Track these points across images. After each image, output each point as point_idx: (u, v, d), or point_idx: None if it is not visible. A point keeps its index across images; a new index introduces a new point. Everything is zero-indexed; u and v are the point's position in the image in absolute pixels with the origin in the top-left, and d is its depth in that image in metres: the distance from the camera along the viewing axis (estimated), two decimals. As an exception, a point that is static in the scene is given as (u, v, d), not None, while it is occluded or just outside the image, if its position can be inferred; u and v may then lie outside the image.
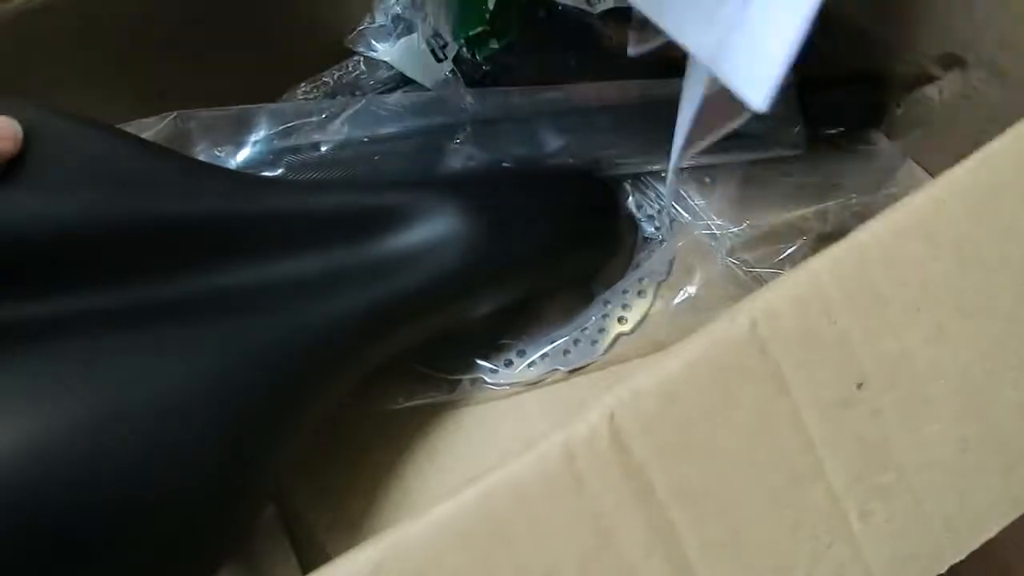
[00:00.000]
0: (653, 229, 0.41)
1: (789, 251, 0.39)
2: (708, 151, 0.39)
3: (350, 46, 0.41)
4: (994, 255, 0.29)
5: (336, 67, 0.42)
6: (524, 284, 0.35)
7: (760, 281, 0.40)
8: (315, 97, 0.41)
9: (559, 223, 0.34)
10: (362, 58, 0.41)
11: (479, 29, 0.37)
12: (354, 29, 0.41)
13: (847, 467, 0.27)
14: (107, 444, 0.21)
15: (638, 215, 0.41)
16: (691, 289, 0.40)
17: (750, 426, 0.26)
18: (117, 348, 0.22)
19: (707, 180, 0.42)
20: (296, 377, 0.27)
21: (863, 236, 0.28)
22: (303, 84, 0.42)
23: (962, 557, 0.29)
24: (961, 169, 0.30)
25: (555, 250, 0.34)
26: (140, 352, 0.23)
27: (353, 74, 0.41)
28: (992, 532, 0.29)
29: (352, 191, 0.30)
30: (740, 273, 0.40)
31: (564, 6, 0.38)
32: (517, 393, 0.38)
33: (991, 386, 0.29)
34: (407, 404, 0.36)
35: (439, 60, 0.38)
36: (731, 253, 0.40)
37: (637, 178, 0.41)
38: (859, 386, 0.28)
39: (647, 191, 0.42)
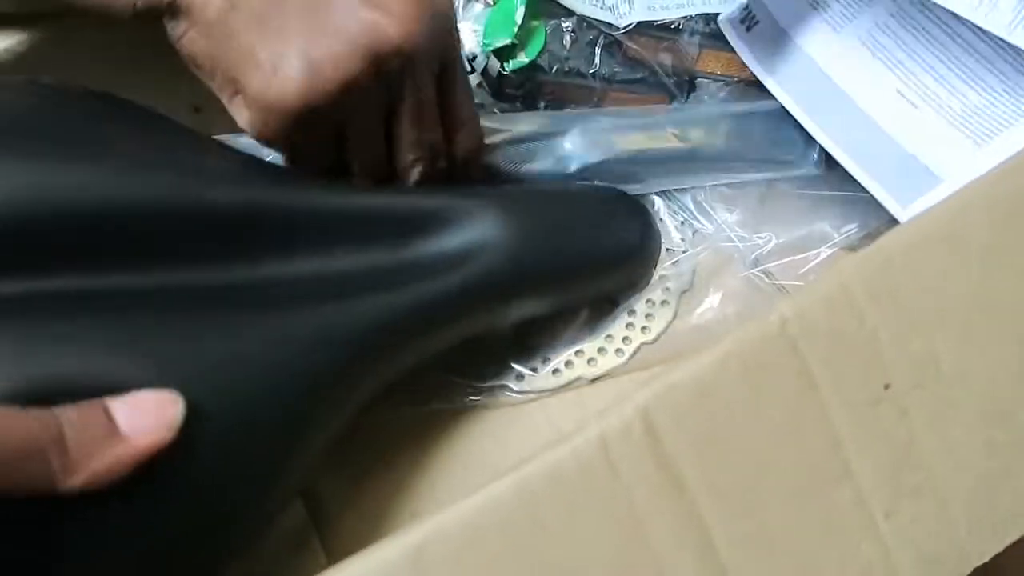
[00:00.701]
0: (679, 239, 0.42)
1: (813, 263, 0.40)
2: (733, 170, 0.40)
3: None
4: (1020, 262, 0.30)
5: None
6: (560, 294, 0.35)
7: (784, 293, 0.40)
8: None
9: (596, 237, 0.35)
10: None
11: (507, 41, 0.38)
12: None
13: (874, 466, 0.28)
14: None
15: (663, 226, 0.42)
16: (714, 300, 0.40)
17: (780, 422, 0.27)
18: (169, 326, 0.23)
19: (726, 192, 0.43)
20: (335, 370, 0.28)
21: (889, 241, 0.29)
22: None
23: (986, 559, 0.29)
24: (986, 178, 0.30)
25: (592, 263, 0.35)
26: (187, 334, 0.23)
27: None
28: (1017, 535, 0.29)
29: (398, 193, 0.31)
30: (763, 285, 0.40)
31: (590, 21, 0.40)
32: (542, 398, 0.38)
33: (1017, 390, 0.29)
34: (435, 407, 0.37)
35: (468, 72, 0.39)
36: (754, 264, 0.41)
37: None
38: (886, 386, 0.28)
39: (671, 202, 0.42)
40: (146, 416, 0.22)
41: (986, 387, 0.29)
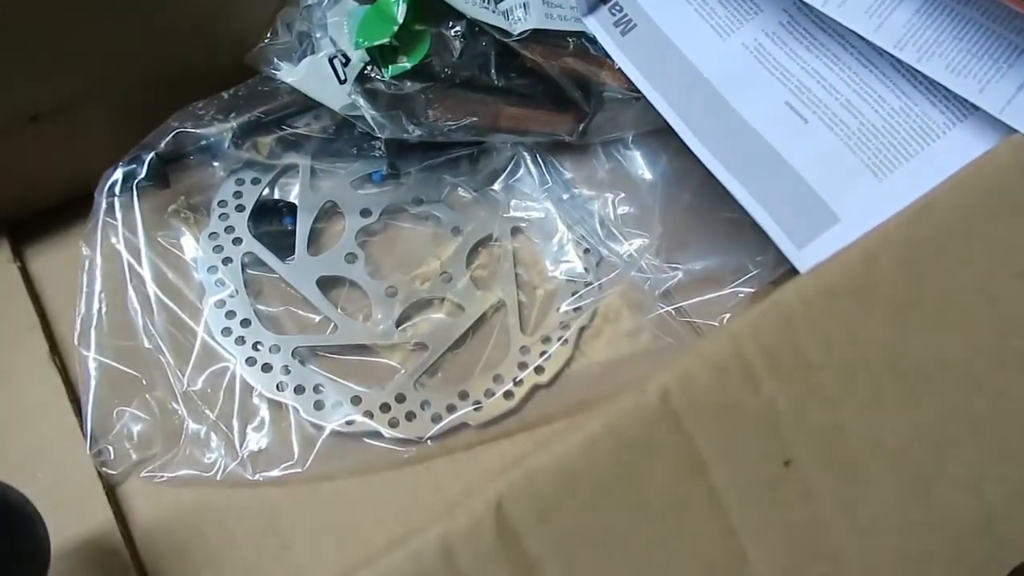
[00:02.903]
0: (582, 269, 0.38)
1: (731, 304, 0.36)
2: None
3: (251, 64, 0.37)
4: (934, 314, 0.26)
5: (239, 86, 0.38)
6: None
7: (695, 331, 0.37)
8: (208, 115, 0.37)
9: None
10: (264, 77, 0.37)
11: (384, 41, 0.34)
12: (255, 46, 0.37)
13: (774, 557, 0.24)
14: None
15: (564, 252, 0.38)
16: (619, 338, 0.36)
17: (662, 512, 0.23)
18: None
19: (637, 214, 0.39)
20: None
21: (787, 295, 0.25)
22: (199, 103, 0.38)
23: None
24: (894, 222, 0.27)
25: None
26: None
27: (253, 93, 0.37)
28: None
29: None
30: (674, 323, 0.37)
31: (481, 26, 0.35)
32: (428, 459, 0.34)
33: (935, 462, 0.26)
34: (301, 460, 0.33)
35: (341, 81, 0.34)
36: (665, 298, 0.37)
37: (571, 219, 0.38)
38: (787, 463, 0.24)
39: (576, 226, 0.38)
40: None
41: (900, 459, 0.25)
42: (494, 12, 0.35)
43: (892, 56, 0.30)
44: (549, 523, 0.22)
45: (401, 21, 0.33)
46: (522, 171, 0.40)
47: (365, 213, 0.39)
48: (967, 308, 0.26)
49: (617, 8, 0.35)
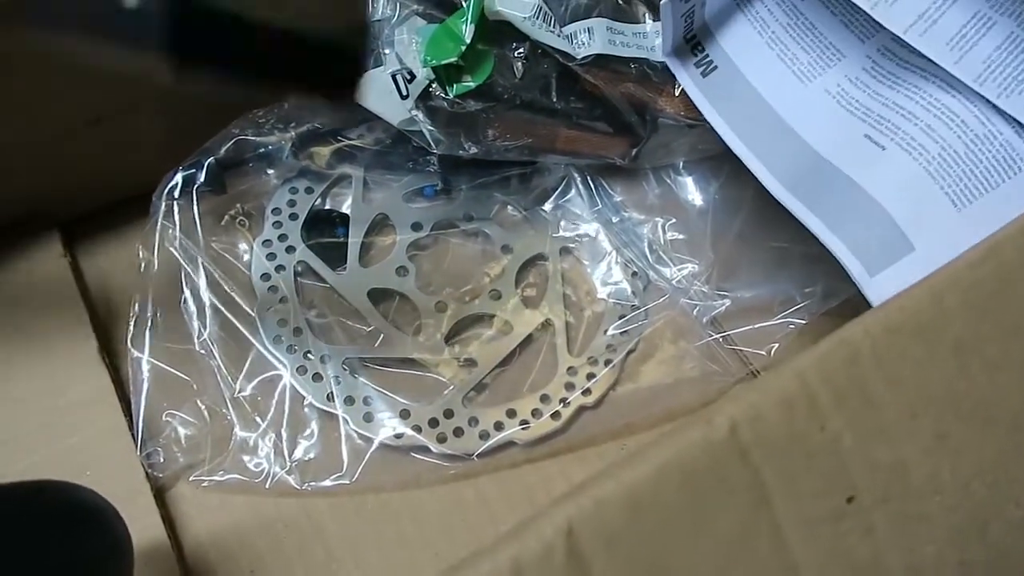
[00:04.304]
0: (630, 293, 0.38)
1: (779, 335, 0.36)
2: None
3: (311, 75, 0.38)
4: (998, 355, 0.27)
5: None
6: None
7: (742, 360, 0.37)
8: (268, 123, 0.37)
9: None
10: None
11: (451, 60, 0.34)
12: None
13: (833, 592, 0.24)
14: None
15: (610, 275, 0.38)
16: (664, 364, 0.37)
17: (727, 544, 0.23)
18: None
19: (686, 239, 0.39)
20: None
21: (854, 332, 0.26)
22: (259, 111, 0.38)
23: None
24: (962, 261, 0.27)
25: None
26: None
27: (312, 104, 0.38)
28: (988, 668, 0.26)
29: None
30: (720, 351, 0.37)
31: (545, 49, 0.36)
32: (474, 475, 0.34)
33: (993, 503, 0.26)
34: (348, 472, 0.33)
35: (403, 97, 0.35)
36: (712, 325, 0.37)
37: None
38: (849, 500, 0.25)
39: (624, 250, 0.39)
40: None
41: (959, 499, 0.26)
42: (559, 36, 0.35)
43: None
44: (616, 550, 0.22)
45: (468, 41, 0.34)
46: (572, 192, 0.40)
47: (416, 227, 0.39)
48: (1030, 351, 0.26)
49: (699, 49, 0.35)
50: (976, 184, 0.30)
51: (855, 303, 0.32)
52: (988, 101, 0.31)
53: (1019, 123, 0.30)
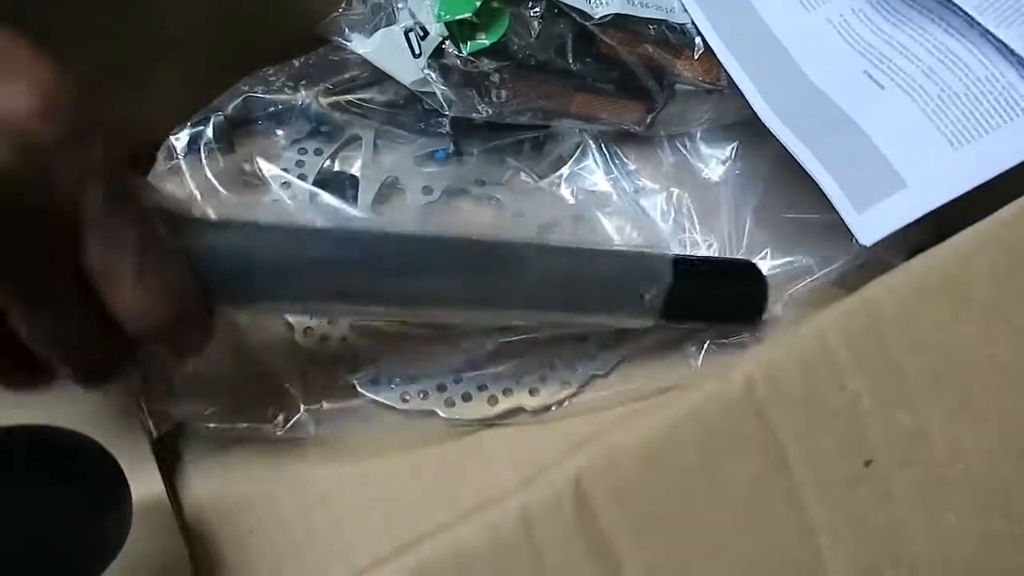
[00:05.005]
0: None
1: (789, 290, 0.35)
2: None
3: (321, 34, 0.37)
4: (1024, 321, 0.26)
5: (309, 54, 0.38)
6: None
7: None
8: (278, 81, 0.37)
9: None
10: (335, 47, 0.37)
11: (465, 14, 0.33)
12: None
13: (852, 558, 0.23)
14: None
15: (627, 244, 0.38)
16: (677, 332, 0.36)
17: (741, 504, 0.23)
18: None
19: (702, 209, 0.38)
20: None
21: (877, 291, 0.25)
22: (269, 68, 0.38)
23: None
24: (993, 221, 0.26)
25: None
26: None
27: (323, 62, 0.37)
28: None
29: None
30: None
31: (561, 8, 0.35)
32: (476, 430, 0.34)
33: (1017, 474, 0.25)
34: (349, 435, 0.32)
35: (415, 55, 0.34)
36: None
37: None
38: (868, 463, 0.24)
39: (638, 219, 0.38)
40: None
41: (982, 467, 0.25)
42: (576, -7, 0.35)
43: (981, 26, 0.30)
44: (627, 503, 0.22)
45: (482, -3, 0.33)
46: (588, 160, 0.39)
47: (427, 191, 0.38)
48: (1060, 318, 0.26)
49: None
50: (975, 125, 0.30)
51: (872, 271, 0.31)
52: (992, 44, 0.30)
53: (1021, 63, 0.30)
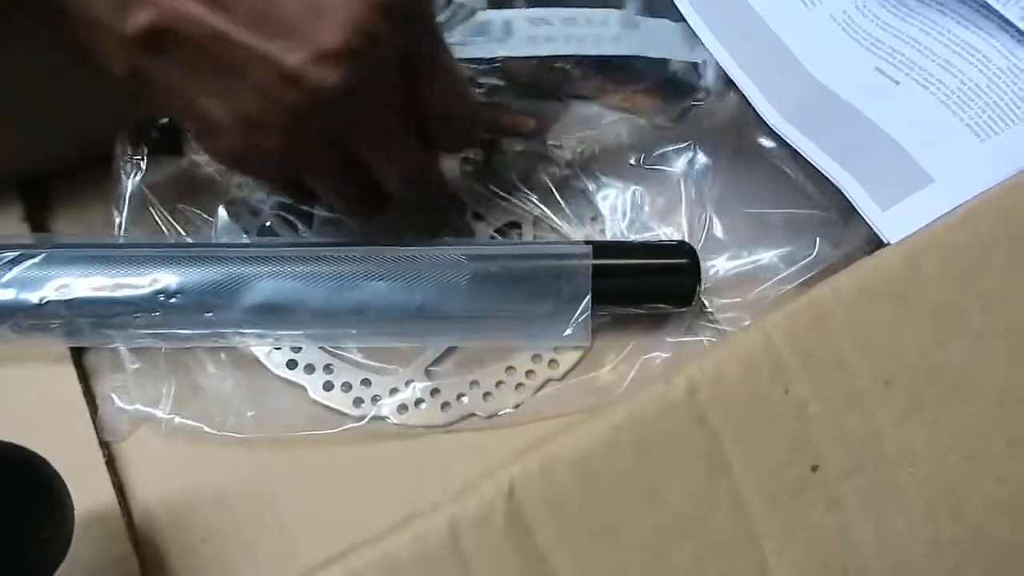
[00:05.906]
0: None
1: (762, 304, 0.35)
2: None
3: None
4: (977, 322, 0.25)
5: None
6: None
7: (721, 334, 0.35)
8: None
9: None
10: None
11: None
12: None
13: (798, 565, 0.23)
14: None
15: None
16: (637, 336, 0.35)
17: (681, 511, 0.22)
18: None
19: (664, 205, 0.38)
20: None
21: (824, 292, 0.24)
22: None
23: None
24: (941, 224, 0.26)
25: None
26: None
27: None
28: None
29: None
30: (696, 324, 0.35)
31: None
32: (431, 435, 0.33)
33: (970, 478, 0.24)
34: (303, 433, 0.32)
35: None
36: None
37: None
38: (814, 469, 0.23)
39: (598, 218, 0.37)
40: None
41: (933, 473, 0.24)
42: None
43: (999, 17, 0.29)
44: (562, 514, 0.21)
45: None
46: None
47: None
48: (1011, 318, 0.25)
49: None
50: (1000, 116, 0.29)
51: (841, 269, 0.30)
52: (1010, 34, 0.29)
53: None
